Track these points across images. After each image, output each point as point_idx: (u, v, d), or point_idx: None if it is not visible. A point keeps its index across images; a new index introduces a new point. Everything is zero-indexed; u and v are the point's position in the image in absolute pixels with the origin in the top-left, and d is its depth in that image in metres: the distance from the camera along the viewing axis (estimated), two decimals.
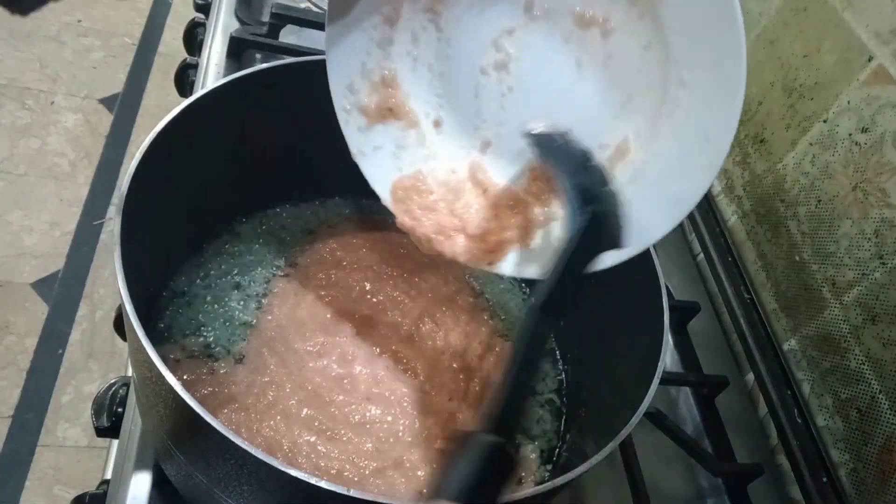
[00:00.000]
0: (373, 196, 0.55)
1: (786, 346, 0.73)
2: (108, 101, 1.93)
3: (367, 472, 0.51)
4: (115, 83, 1.98)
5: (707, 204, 0.86)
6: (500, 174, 0.55)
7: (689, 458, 0.66)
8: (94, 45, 2.05)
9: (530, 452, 0.58)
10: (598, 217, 0.41)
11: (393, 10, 0.52)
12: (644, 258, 0.50)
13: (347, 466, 0.51)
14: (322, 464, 0.50)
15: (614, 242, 0.42)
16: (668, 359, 0.76)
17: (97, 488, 0.59)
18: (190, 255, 0.61)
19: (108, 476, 0.58)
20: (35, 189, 1.69)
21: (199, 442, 0.39)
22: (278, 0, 0.87)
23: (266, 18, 0.86)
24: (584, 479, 0.63)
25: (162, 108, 1.93)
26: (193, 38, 0.95)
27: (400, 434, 0.54)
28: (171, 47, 2.12)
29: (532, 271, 0.52)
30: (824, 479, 0.62)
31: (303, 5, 0.94)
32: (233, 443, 0.35)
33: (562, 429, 0.61)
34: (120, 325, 0.75)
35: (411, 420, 0.55)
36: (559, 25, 0.49)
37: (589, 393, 0.61)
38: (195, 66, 0.88)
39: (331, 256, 0.65)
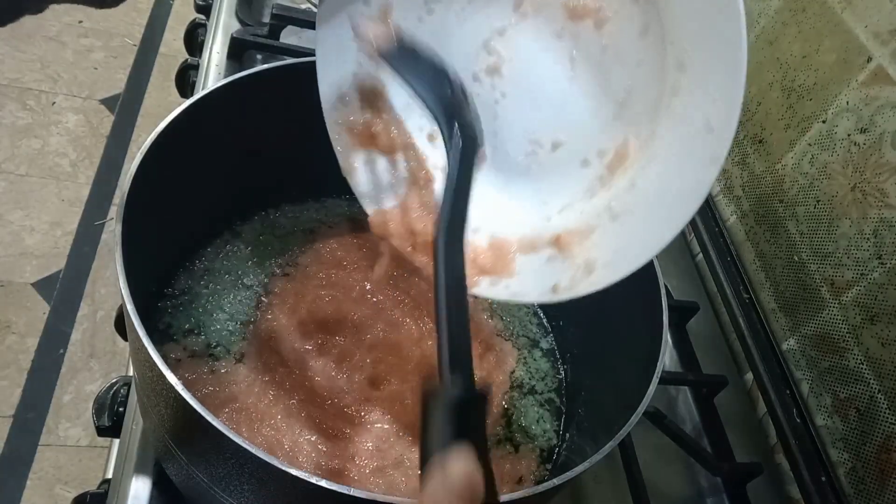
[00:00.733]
0: None
1: (785, 346, 0.73)
2: (109, 102, 1.93)
3: (367, 472, 0.51)
4: (116, 84, 1.99)
5: (706, 204, 0.86)
6: (497, 189, 0.53)
7: (688, 458, 0.66)
8: (94, 46, 2.05)
9: (530, 452, 0.58)
10: (466, 129, 0.43)
11: None
12: None
13: (348, 465, 0.51)
14: (323, 463, 0.50)
15: (476, 146, 0.44)
16: (668, 358, 0.76)
17: (98, 487, 0.59)
18: (191, 254, 0.61)
19: (109, 475, 0.58)
20: (36, 189, 1.69)
21: (200, 441, 0.39)
22: (279, 1, 0.87)
23: (267, 19, 0.86)
24: (584, 478, 0.63)
25: (163, 109, 1.94)
26: (194, 39, 0.95)
27: (400, 433, 0.54)
28: (172, 48, 2.12)
29: (501, 292, 0.51)
30: (823, 479, 0.62)
31: (303, 6, 0.94)
32: (233, 442, 0.35)
33: (561, 428, 0.61)
34: (121, 324, 0.76)
35: (412, 419, 0.55)
36: (551, 20, 0.48)
37: (588, 392, 0.61)
38: (196, 67, 0.88)
39: (331, 256, 0.65)
